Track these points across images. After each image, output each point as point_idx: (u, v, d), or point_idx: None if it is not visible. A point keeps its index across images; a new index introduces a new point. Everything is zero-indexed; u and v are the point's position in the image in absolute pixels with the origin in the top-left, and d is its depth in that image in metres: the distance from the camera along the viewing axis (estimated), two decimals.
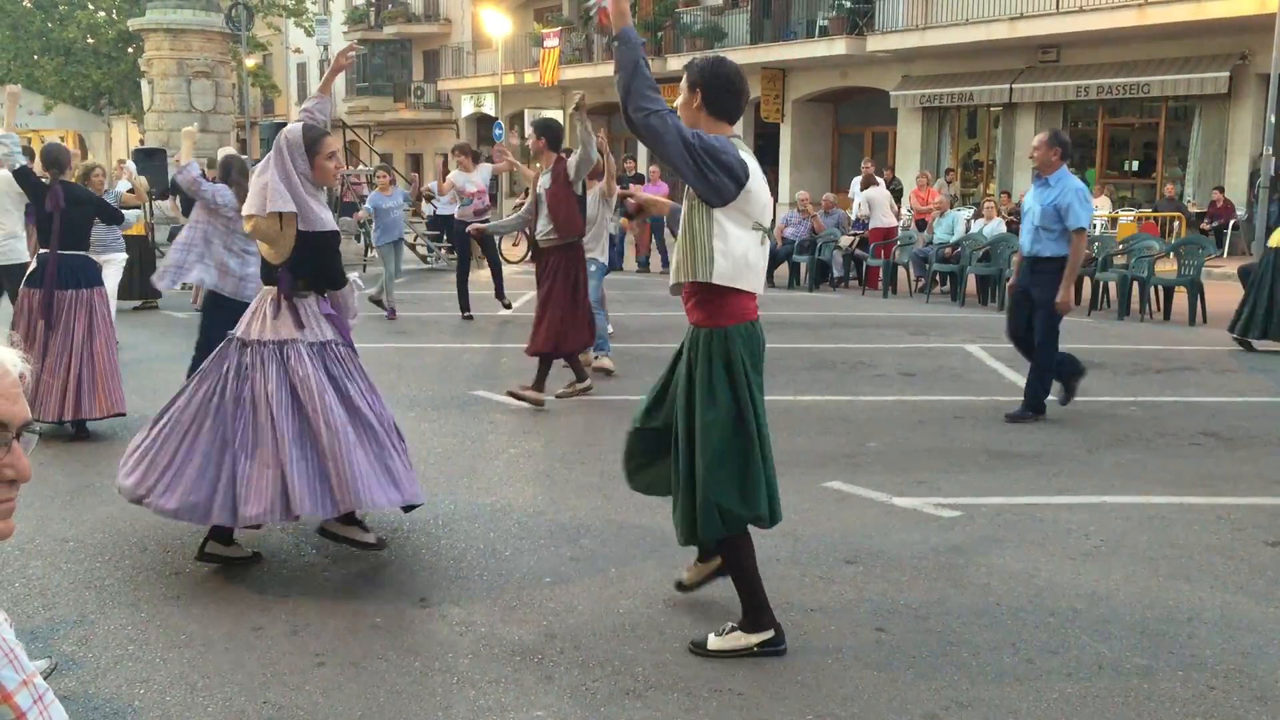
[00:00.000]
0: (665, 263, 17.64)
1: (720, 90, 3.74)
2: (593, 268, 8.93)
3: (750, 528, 3.87)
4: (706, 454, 3.69)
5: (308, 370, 4.57)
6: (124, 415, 7.17)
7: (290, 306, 4.67)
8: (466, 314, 12.60)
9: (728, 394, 3.69)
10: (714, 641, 3.86)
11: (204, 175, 7.02)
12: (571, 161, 8.02)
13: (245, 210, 4.72)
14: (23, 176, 7.15)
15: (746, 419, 3.71)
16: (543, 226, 8.02)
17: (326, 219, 4.67)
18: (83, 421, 7.11)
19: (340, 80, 44.31)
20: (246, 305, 7.34)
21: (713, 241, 3.66)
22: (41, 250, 7.11)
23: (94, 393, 6.99)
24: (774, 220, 3.89)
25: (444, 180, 13.43)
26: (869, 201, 17.04)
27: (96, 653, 3.88)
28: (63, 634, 4.03)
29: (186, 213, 12.32)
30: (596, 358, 9.23)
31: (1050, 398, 7.64)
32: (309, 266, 4.69)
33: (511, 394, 7.93)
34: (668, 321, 10.68)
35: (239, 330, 4.73)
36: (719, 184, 3.61)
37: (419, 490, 4.79)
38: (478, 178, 13.08)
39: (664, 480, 4.02)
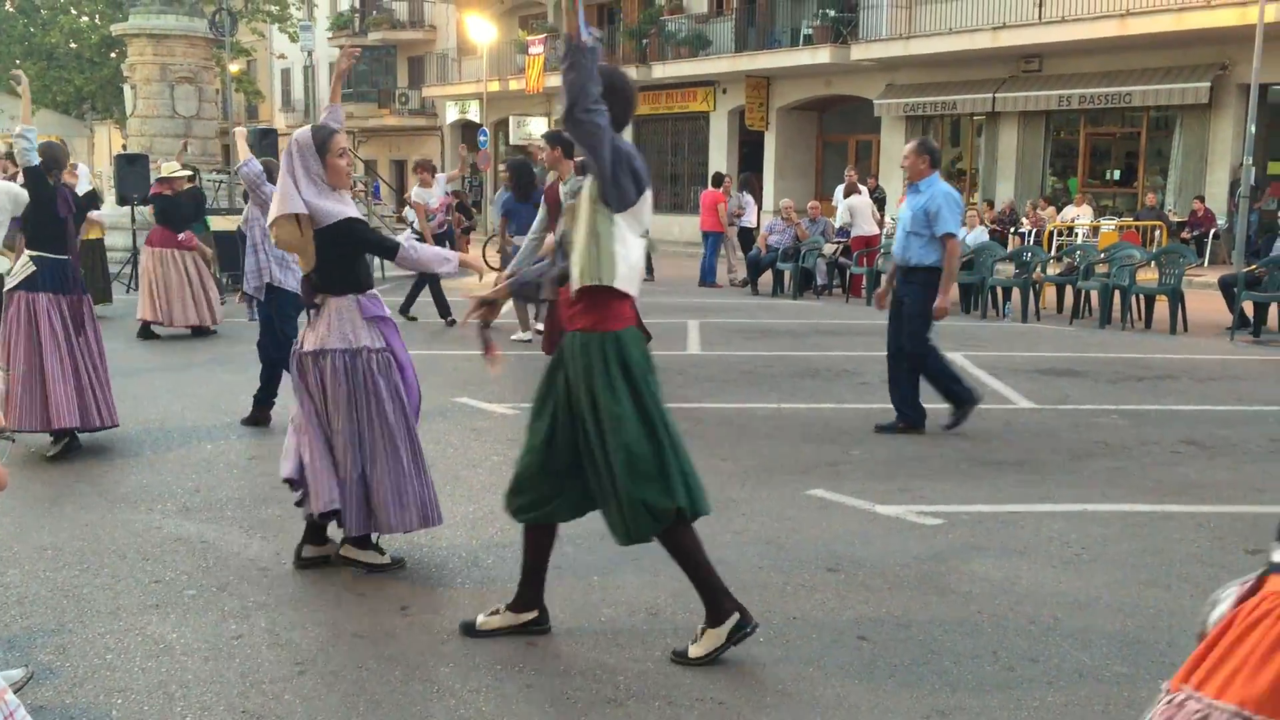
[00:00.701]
0: None
1: (608, 96, 3.77)
2: None
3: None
4: (620, 455, 3.71)
5: (335, 383, 4.58)
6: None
7: (323, 313, 4.63)
8: (448, 319, 12.62)
9: (628, 393, 3.74)
10: (694, 650, 3.86)
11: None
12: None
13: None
14: (35, 177, 6.70)
15: (651, 414, 3.75)
16: None
17: (337, 210, 4.56)
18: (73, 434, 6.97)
19: (324, 86, 44.23)
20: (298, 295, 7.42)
21: (615, 246, 3.75)
22: (31, 253, 6.77)
23: (110, 399, 6.98)
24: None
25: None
26: (851, 210, 17.09)
27: (74, 662, 3.85)
28: (40, 643, 4.00)
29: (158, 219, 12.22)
30: None
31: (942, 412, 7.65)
32: (343, 261, 4.62)
33: None
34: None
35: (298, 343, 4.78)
36: (627, 190, 3.73)
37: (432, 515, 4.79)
38: (439, 191, 13.32)
39: (547, 510, 3.97)
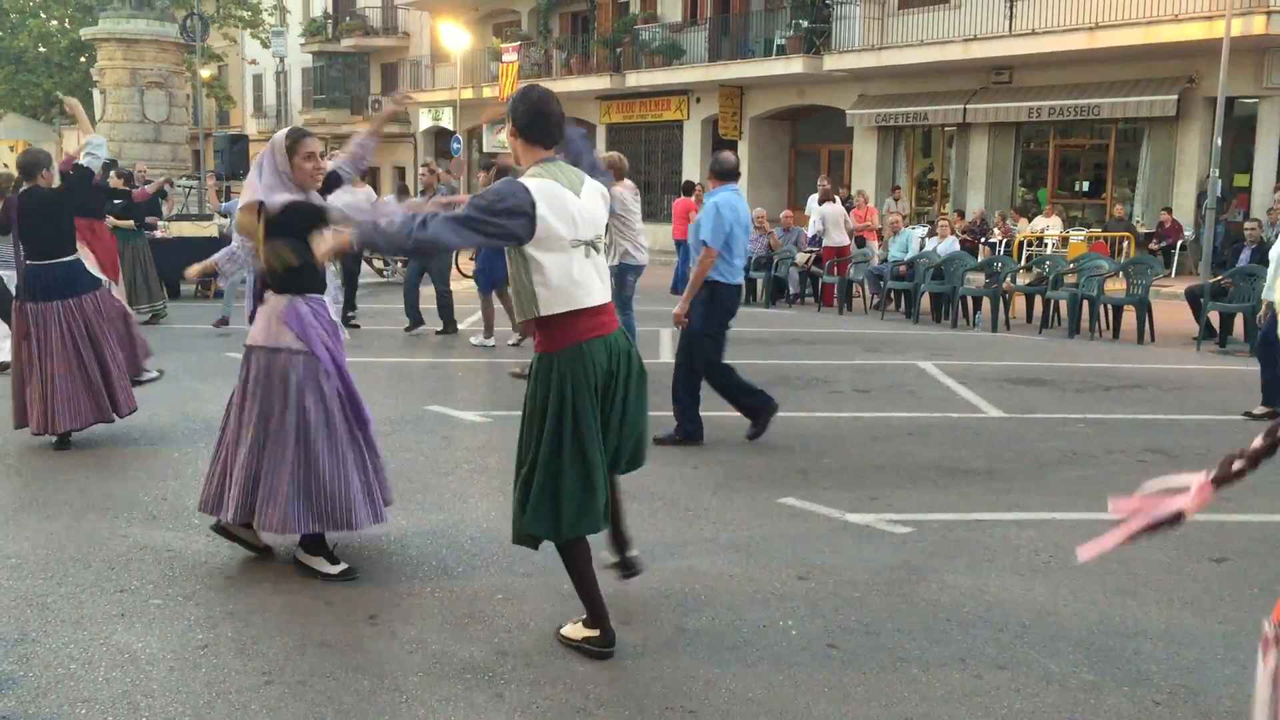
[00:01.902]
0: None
1: (528, 117, 3.89)
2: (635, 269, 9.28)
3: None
4: (522, 469, 3.91)
5: (255, 377, 4.70)
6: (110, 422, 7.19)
7: (263, 309, 4.75)
8: (351, 319, 12.74)
9: (541, 419, 3.86)
10: (565, 629, 4.10)
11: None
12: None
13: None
14: None
15: (562, 439, 3.83)
16: None
17: (286, 198, 4.64)
18: (67, 434, 7.04)
19: (296, 92, 44.07)
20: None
21: (532, 278, 3.83)
22: (29, 261, 6.98)
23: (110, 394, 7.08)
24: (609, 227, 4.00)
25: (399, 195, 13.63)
26: (824, 218, 17.16)
27: (37, 672, 3.80)
28: (3, 653, 3.95)
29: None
30: None
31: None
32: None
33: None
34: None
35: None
36: (507, 232, 3.77)
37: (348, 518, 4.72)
38: (362, 196, 13.30)
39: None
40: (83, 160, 6.95)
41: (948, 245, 15.59)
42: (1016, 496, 6.17)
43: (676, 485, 6.27)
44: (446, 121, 35.81)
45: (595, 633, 4.00)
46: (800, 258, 17.07)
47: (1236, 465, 2.15)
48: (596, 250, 3.93)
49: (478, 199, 3.79)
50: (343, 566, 4.79)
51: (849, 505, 5.90)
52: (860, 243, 17.60)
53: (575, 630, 4.06)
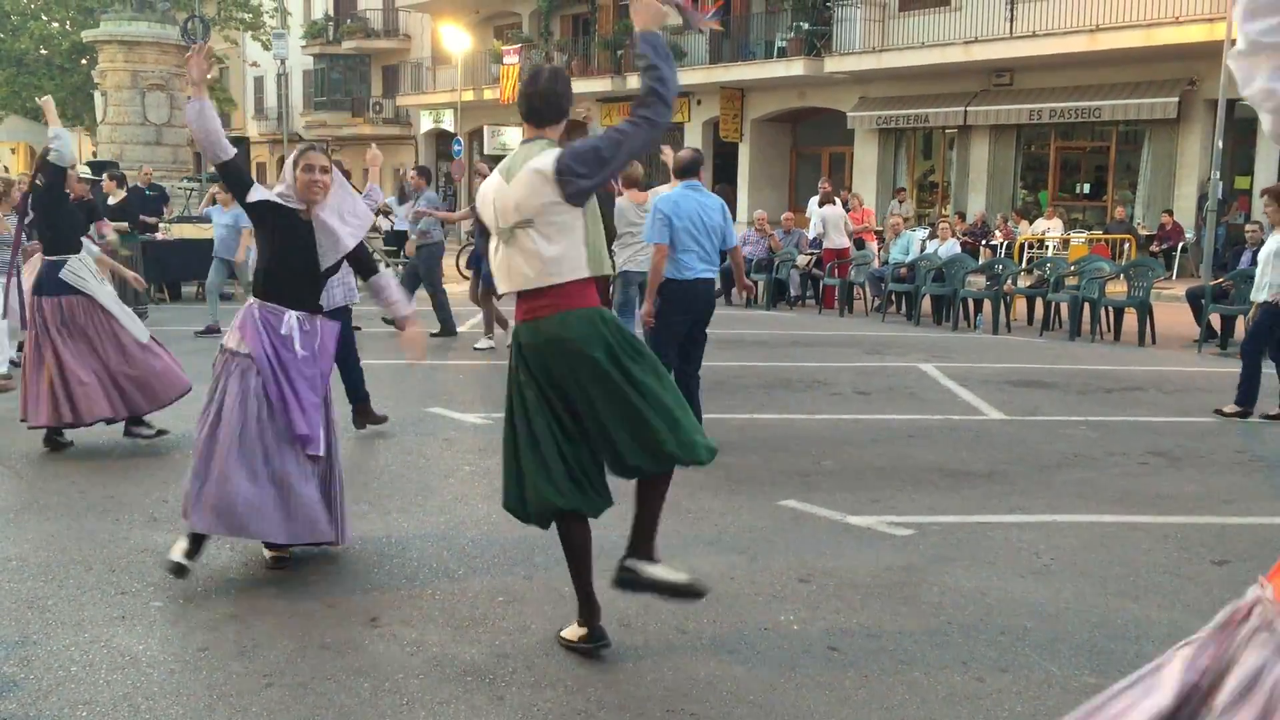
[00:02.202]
0: None
1: (519, 102, 4.08)
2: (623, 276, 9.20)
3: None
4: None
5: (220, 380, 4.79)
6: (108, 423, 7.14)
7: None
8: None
9: (507, 391, 4.02)
10: (564, 631, 4.09)
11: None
12: None
13: None
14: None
15: (512, 417, 3.99)
16: None
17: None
18: (58, 431, 7.04)
19: (298, 95, 44.08)
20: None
21: None
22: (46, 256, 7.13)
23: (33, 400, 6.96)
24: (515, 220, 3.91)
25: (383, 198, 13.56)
26: (824, 220, 17.15)
27: (38, 674, 3.80)
28: (3, 655, 3.95)
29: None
30: None
31: None
32: (262, 259, 4.89)
33: None
34: None
35: None
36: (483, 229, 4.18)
37: (281, 530, 4.66)
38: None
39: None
40: (50, 157, 6.90)
41: (948, 247, 15.60)
42: (1018, 499, 6.17)
43: (677, 487, 6.23)
44: (448, 124, 35.83)
45: (584, 631, 3.99)
46: (801, 260, 17.07)
47: None
48: (526, 236, 3.84)
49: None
50: (179, 563, 4.60)
51: (850, 507, 5.89)
52: (859, 245, 17.63)
53: (574, 631, 4.06)
